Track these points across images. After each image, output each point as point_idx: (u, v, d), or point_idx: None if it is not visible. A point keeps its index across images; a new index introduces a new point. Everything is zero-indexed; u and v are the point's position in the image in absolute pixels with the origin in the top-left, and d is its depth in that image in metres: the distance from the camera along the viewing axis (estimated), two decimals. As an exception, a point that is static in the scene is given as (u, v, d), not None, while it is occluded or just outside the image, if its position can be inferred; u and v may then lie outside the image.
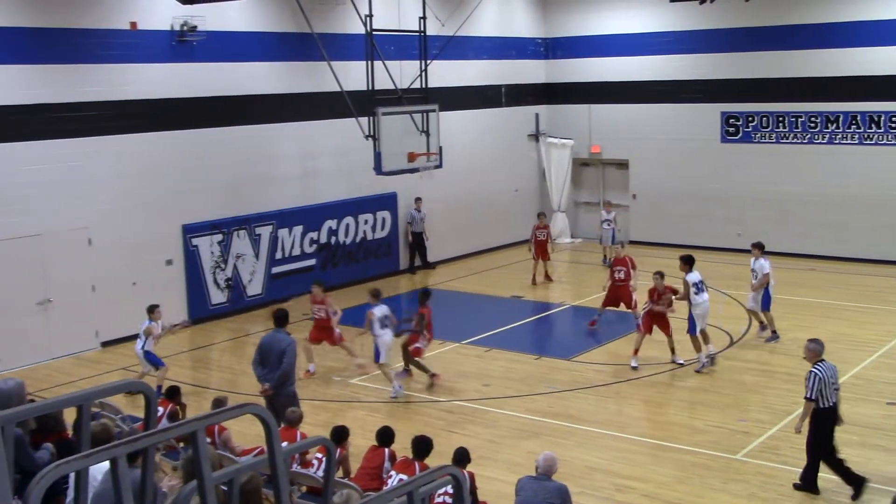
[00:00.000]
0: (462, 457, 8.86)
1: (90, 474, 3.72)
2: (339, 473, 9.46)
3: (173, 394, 11.23)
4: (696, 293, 14.41)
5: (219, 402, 9.95)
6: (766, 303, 15.77)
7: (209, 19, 17.50)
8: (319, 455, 9.33)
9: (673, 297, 14.54)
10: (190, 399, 12.90)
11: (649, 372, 14.50)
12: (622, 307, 16.75)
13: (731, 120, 23.55)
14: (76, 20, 15.94)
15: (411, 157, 17.14)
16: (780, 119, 22.86)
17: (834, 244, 22.16)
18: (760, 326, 16.13)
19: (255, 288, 19.12)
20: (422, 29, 17.83)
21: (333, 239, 20.78)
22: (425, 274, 22.32)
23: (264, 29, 19.00)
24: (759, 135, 23.23)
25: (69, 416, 5.11)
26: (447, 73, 21.83)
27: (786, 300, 17.42)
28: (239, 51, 18.48)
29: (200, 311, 18.02)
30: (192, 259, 17.96)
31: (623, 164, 25.62)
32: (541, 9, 26.14)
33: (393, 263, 22.25)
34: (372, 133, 16.59)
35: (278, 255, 19.56)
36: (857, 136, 21.89)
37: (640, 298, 16.28)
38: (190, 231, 17.88)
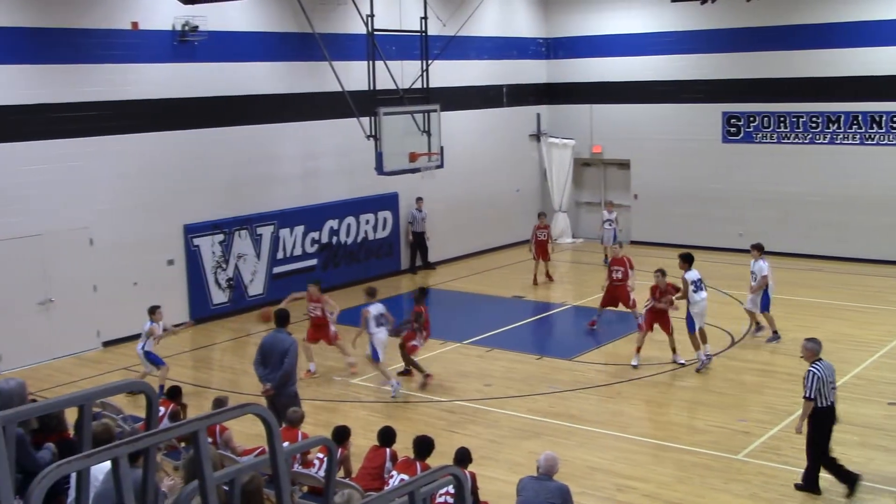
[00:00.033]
0: (463, 457, 8.85)
1: (91, 474, 3.72)
2: (341, 473, 9.46)
3: (175, 394, 11.23)
4: (694, 291, 14.49)
5: (219, 402, 9.96)
6: (765, 304, 15.79)
7: (210, 19, 17.50)
8: (321, 455, 9.33)
9: (673, 297, 14.58)
10: (191, 399, 12.90)
11: (650, 372, 14.50)
12: (620, 307, 16.78)
13: (733, 120, 23.54)
14: (77, 20, 15.94)
15: (413, 157, 17.13)
16: (782, 119, 22.85)
17: (835, 244, 22.15)
18: (756, 327, 16.18)
19: (256, 288, 19.12)
20: (423, 29, 17.82)
21: (335, 239, 20.79)
22: (426, 274, 22.33)
23: (266, 29, 19.00)
24: (760, 135, 23.22)
25: (71, 416, 5.11)
26: (448, 73, 21.83)
27: (787, 300, 17.42)
28: (240, 51, 18.48)
29: (202, 311, 18.02)
30: (193, 259, 17.96)
31: (624, 165, 25.61)
32: (542, 9, 26.13)
33: (394, 263, 22.25)
34: (373, 133, 16.59)
35: (279, 255, 19.56)
36: (858, 137, 21.88)
37: (639, 298, 16.31)
38: (191, 231, 17.88)
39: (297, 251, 19.94)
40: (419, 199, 22.05)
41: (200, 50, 17.62)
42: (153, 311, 13.78)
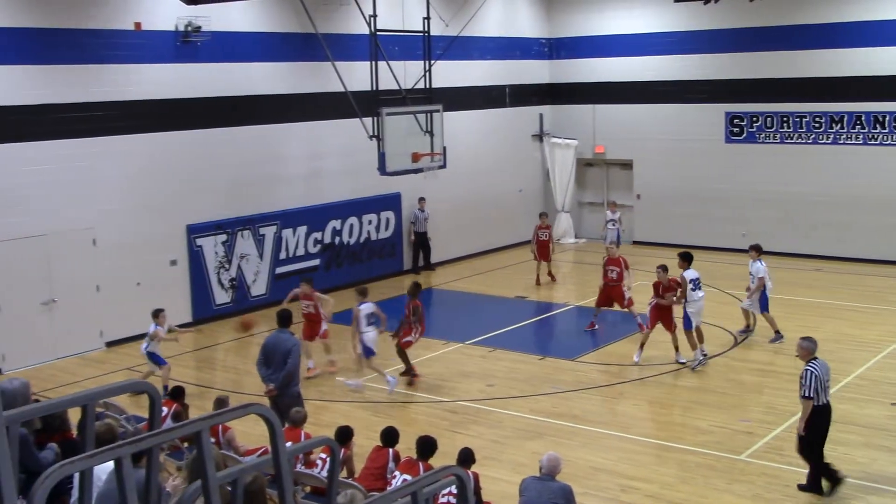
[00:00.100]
0: (466, 457, 8.84)
1: (94, 474, 3.72)
2: (344, 474, 9.46)
3: (178, 394, 11.24)
4: (692, 290, 14.58)
5: (220, 402, 9.97)
6: (763, 304, 15.81)
7: (213, 20, 17.52)
8: (324, 455, 9.35)
9: (675, 295, 14.62)
10: (194, 400, 12.92)
11: (653, 372, 14.50)
12: (616, 307, 16.79)
13: (736, 120, 23.52)
14: (81, 21, 15.96)
15: (415, 157, 17.13)
16: (785, 119, 22.82)
17: (838, 244, 22.13)
18: (746, 327, 16.25)
19: (259, 288, 19.13)
20: (426, 29, 17.82)
21: (337, 239, 20.79)
22: (429, 274, 22.32)
23: (268, 29, 19.01)
24: (763, 135, 23.20)
25: (74, 416, 5.11)
26: (451, 74, 21.84)
27: (789, 300, 17.41)
28: (243, 51, 18.49)
29: (204, 312, 18.04)
30: (196, 259, 17.97)
31: (627, 165, 25.60)
32: (545, 9, 26.12)
33: (397, 263, 22.25)
34: (376, 133, 16.58)
35: (282, 256, 19.57)
36: (861, 137, 21.85)
37: (637, 298, 16.33)
38: (194, 231, 17.89)
39: (300, 251, 19.95)
40: (422, 200, 22.05)
41: (203, 50, 17.63)
42: (157, 314, 13.81)
